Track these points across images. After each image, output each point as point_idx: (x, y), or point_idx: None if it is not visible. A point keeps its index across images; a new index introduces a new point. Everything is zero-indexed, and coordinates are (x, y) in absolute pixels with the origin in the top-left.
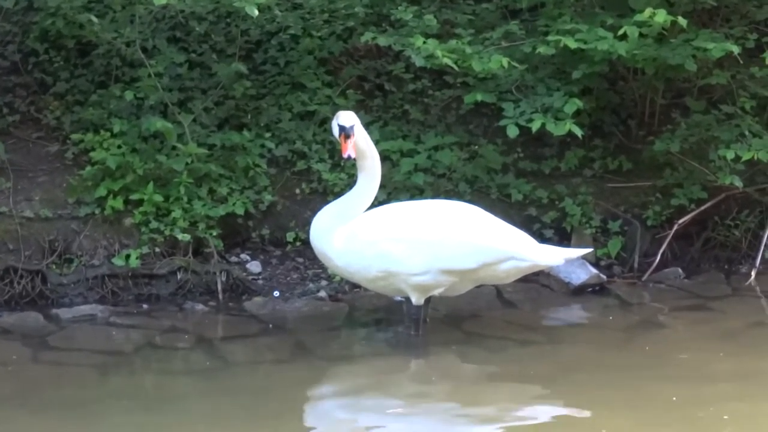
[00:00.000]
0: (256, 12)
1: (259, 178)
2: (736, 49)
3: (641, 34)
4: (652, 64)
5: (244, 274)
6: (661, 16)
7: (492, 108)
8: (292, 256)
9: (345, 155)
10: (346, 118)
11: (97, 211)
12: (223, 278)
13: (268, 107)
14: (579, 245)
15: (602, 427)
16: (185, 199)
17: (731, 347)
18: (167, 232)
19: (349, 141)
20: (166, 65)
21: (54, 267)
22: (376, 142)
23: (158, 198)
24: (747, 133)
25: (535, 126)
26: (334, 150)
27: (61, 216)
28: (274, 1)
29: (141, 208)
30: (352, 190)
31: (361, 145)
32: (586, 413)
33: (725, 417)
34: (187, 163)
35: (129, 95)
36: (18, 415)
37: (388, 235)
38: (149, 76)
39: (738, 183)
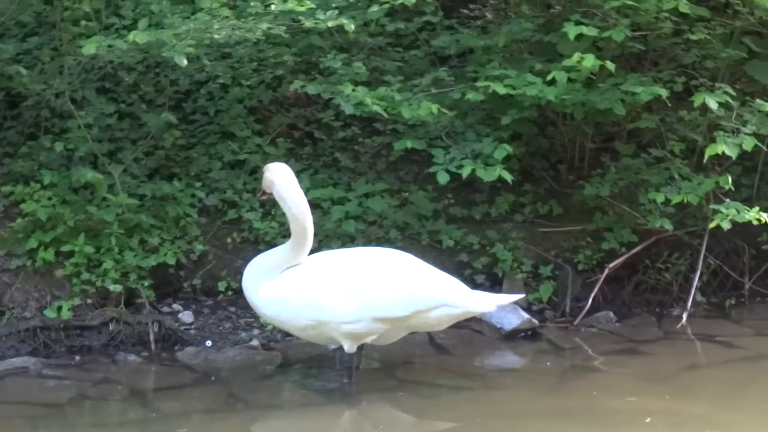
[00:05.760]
0: (185, 62)
1: (190, 227)
2: (664, 93)
3: (570, 79)
4: (581, 109)
5: (177, 324)
6: (590, 61)
7: (422, 155)
8: (224, 305)
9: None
10: (269, 169)
11: (28, 263)
12: (156, 328)
13: (199, 157)
14: (510, 291)
15: None
16: (116, 249)
17: (664, 390)
18: (99, 283)
19: (260, 190)
20: (96, 116)
21: None
22: (307, 191)
23: (89, 249)
24: (676, 176)
25: (465, 172)
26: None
27: None
28: (202, 51)
29: (72, 260)
30: (283, 246)
31: (287, 211)
32: None
33: None
34: (117, 214)
35: (59, 147)
36: None
37: (318, 284)
38: (79, 127)
39: (668, 226)
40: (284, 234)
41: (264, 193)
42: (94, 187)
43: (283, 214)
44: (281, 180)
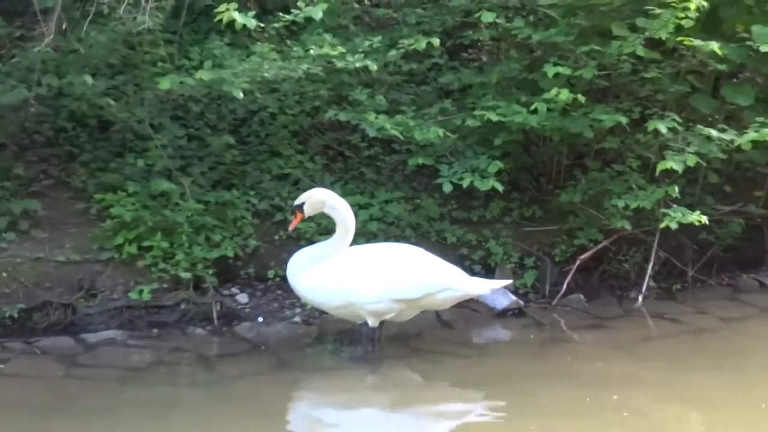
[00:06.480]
0: (241, 95)
1: (245, 227)
2: (624, 120)
3: (549, 109)
4: (558, 133)
5: (235, 304)
6: (565, 95)
7: (431, 169)
8: (273, 289)
9: (290, 229)
10: (304, 196)
11: (116, 256)
12: (218, 308)
13: (252, 171)
14: (501, 277)
15: (526, 420)
16: (186, 245)
17: (624, 357)
18: (172, 272)
19: (295, 219)
20: (170, 138)
21: (82, 300)
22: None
23: (165, 244)
24: (634, 186)
25: (465, 183)
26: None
27: (87, 260)
28: (255, 87)
29: (151, 253)
30: (327, 242)
31: (339, 217)
32: (511, 411)
33: (625, 414)
34: (187, 216)
35: (140, 163)
36: (54, 419)
37: (348, 273)
38: (156, 147)
39: (627, 226)
40: (321, 232)
41: (300, 220)
42: (169, 195)
43: (320, 216)
44: (331, 197)
